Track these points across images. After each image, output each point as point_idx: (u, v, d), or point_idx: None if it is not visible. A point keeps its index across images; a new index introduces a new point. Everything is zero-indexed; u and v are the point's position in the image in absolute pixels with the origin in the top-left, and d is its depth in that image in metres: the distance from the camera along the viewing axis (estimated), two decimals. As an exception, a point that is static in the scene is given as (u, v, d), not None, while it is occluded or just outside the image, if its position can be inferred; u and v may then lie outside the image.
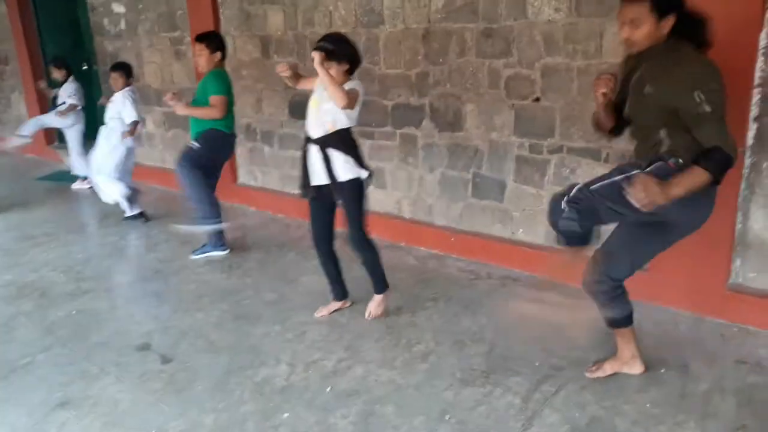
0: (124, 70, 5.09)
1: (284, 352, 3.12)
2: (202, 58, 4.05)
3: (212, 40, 4.07)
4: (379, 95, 4.32)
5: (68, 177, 6.49)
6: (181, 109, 4.08)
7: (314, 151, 3.09)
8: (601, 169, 3.44)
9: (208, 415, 2.67)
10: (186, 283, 4.01)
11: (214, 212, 4.25)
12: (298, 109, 4.87)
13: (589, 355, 2.93)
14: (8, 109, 8.61)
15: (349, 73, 3.03)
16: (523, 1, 3.55)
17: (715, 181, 2.17)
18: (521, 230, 3.90)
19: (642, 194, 2.12)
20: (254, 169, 5.52)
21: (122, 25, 6.32)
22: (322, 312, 3.47)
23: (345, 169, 3.07)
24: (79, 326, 3.49)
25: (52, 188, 6.49)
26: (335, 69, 2.94)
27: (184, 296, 3.82)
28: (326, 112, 3.02)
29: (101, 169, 5.05)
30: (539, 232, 3.82)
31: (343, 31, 4.36)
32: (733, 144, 2.14)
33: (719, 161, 2.12)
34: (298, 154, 4.95)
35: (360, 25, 4.33)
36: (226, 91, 4.04)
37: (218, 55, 4.08)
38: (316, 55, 2.81)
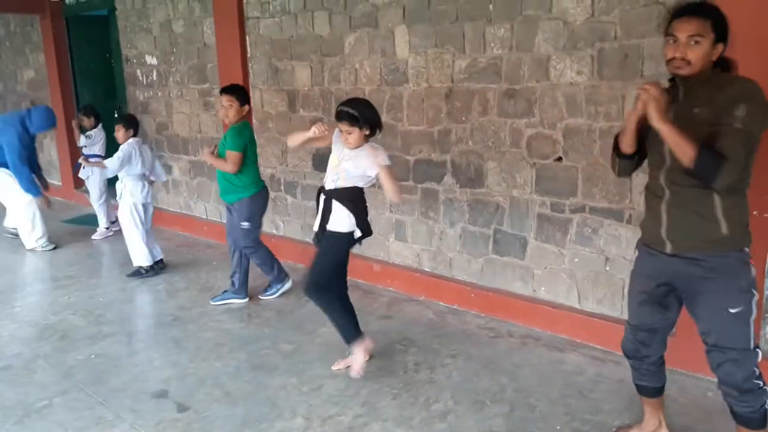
0: (124, 122, 4.96)
1: (300, 406, 3.09)
2: (232, 110, 4.11)
3: (241, 93, 4.17)
4: (401, 150, 4.39)
5: (94, 221, 6.58)
6: (208, 158, 4.23)
7: (321, 201, 3.23)
8: (624, 230, 3.45)
9: (222, 467, 2.64)
10: (205, 330, 4.02)
11: (281, 272, 4.51)
12: (322, 161, 4.95)
13: (612, 420, 2.86)
14: (40, 153, 8.82)
15: (369, 137, 3.14)
16: (546, 64, 3.63)
17: (689, 172, 2.09)
18: (543, 288, 3.88)
19: (650, 99, 2.06)
20: (276, 218, 5.59)
21: (154, 76, 6.54)
22: (340, 365, 3.44)
23: (340, 220, 3.18)
24: (97, 370, 3.50)
25: (77, 231, 6.60)
26: (357, 134, 3.06)
27: (202, 344, 3.82)
28: (344, 170, 3.15)
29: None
30: (561, 291, 3.80)
31: (368, 89, 4.52)
32: (736, 169, 2.04)
33: (710, 165, 2.02)
34: (319, 204, 5.11)
35: (384, 83, 4.44)
36: (242, 147, 4.12)
37: (246, 108, 4.20)
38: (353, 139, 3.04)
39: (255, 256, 4.39)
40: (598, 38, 3.41)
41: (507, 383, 3.26)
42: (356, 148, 3.11)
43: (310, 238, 5.22)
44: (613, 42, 3.36)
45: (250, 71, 5.39)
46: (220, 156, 4.17)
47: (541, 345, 3.69)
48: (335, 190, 3.18)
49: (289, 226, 5.51)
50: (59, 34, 7.67)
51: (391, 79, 4.39)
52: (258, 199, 4.30)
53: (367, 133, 3.09)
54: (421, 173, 4.35)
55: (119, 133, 4.90)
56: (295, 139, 3.32)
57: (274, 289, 4.51)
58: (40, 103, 8.40)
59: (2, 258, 5.70)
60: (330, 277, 3.30)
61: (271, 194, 5.49)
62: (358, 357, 3.31)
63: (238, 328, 4.05)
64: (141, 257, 5.00)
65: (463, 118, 4.06)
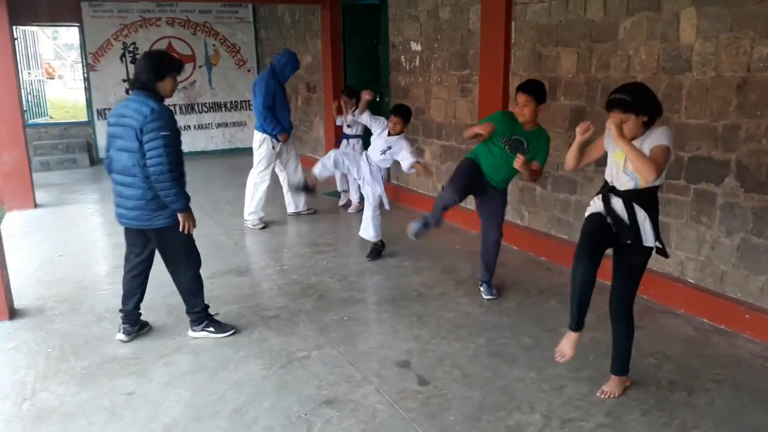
0: (403, 116, 5.10)
1: (539, 402, 2.99)
2: (528, 108, 3.91)
3: (539, 91, 3.93)
4: (674, 145, 3.95)
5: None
6: (521, 166, 3.88)
7: (617, 203, 2.87)
8: None
9: (459, 447, 2.66)
10: (445, 310, 4.10)
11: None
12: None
13: None
14: (310, 131, 9.86)
15: (648, 124, 2.80)
16: None
17: None
18: (844, 321, 3.23)
19: None
20: (521, 208, 5.48)
21: (417, 62, 6.82)
22: (604, 392, 3.05)
23: (647, 232, 2.84)
24: (349, 332, 3.78)
25: (335, 203, 7.20)
26: (633, 121, 2.74)
27: (443, 323, 3.90)
28: (635, 169, 2.78)
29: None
30: None
31: (641, 77, 4.16)
32: None
33: None
34: (572, 198, 4.86)
35: (662, 71, 4.03)
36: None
37: (543, 106, 3.99)
38: (613, 128, 2.70)
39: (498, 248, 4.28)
40: None
41: (787, 425, 2.78)
42: (638, 137, 2.78)
43: (556, 232, 5.05)
44: None
45: (512, 57, 5.32)
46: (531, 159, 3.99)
47: (836, 388, 3.08)
48: (631, 192, 2.82)
49: (534, 217, 5.36)
50: (335, 22, 8.39)
51: (671, 67, 3.97)
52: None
53: (645, 119, 2.77)
54: (697, 172, 3.88)
55: (398, 126, 5.06)
56: (569, 160, 3.06)
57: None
58: (315, 85, 9.33)
59: (274, 222, 6.46)
60: (633, 297, 3.00)
61: (518, 183, 5.41)
62: (614, 388, 3.05)
63: (478, 313, 4.06)
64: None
65: (758, 113, 3.51)
